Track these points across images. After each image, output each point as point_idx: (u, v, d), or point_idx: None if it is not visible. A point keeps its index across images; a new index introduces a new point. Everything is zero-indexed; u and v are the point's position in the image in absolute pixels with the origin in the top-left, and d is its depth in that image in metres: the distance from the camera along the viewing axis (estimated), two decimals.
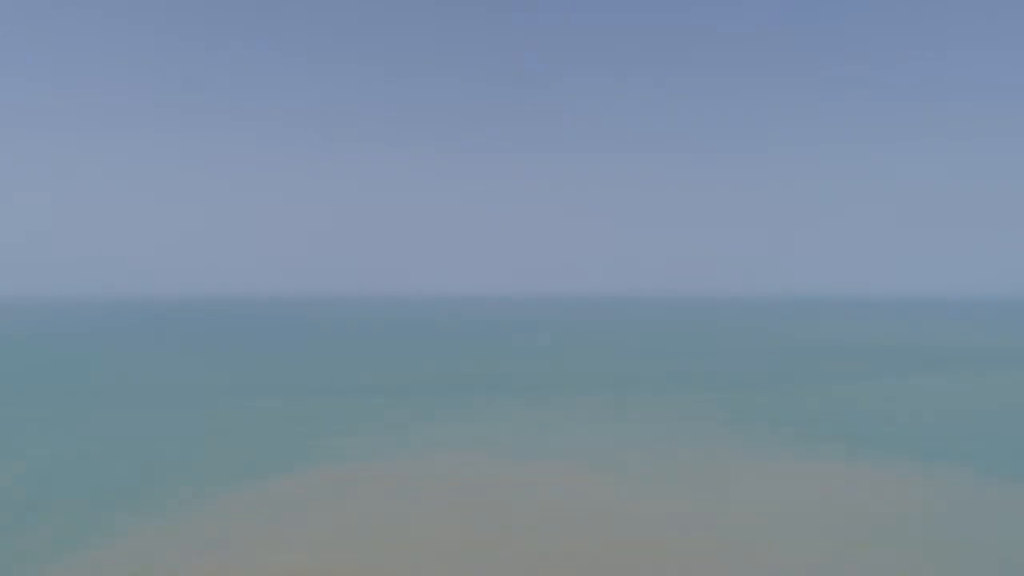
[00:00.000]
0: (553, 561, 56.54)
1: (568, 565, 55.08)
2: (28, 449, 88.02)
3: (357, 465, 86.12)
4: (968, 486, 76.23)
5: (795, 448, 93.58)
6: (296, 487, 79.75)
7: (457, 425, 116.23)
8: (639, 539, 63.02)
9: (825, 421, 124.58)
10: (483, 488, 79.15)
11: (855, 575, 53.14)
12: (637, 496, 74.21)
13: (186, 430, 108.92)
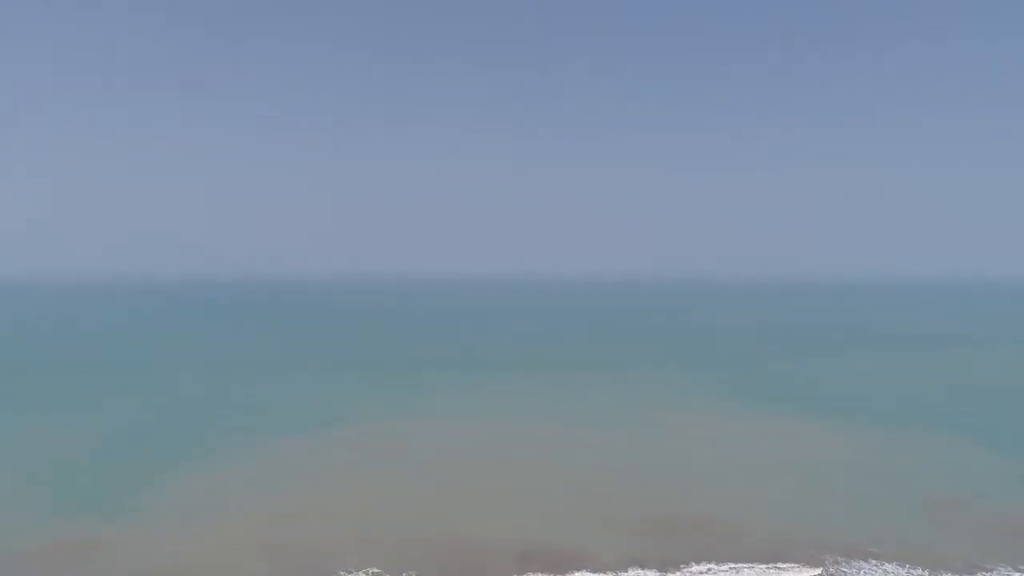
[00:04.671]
0: (543, 496, 76.62)
1: (554, 498, 74.78)
2: (110, 414, 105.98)
3: (383, 423, 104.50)
4: (885, 438, 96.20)
5: (756, 410, 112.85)
6: (332, 441, 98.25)
7: (470, 392, 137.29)
8: (619, 475, 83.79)
9: (787, 391, 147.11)
10: (484, 440, 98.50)
11: (784, 505, 73.83)
12: (618, 444, 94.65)
13: (240, 397, 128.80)
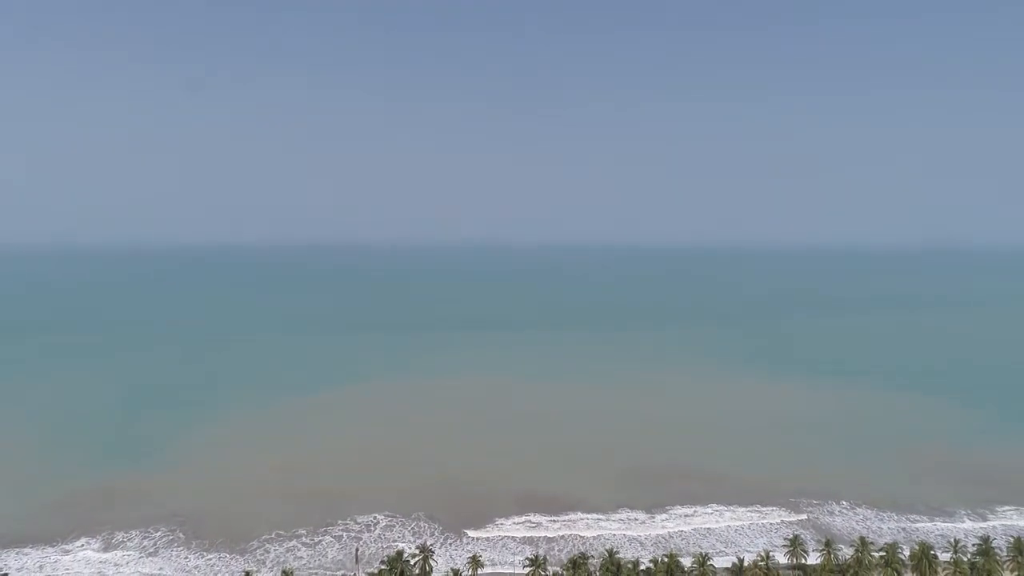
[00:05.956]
0: (535, 437, 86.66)
1: (547, 438, 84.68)
2: (138, 370, 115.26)
3: (393, 381, 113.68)
4: (856, 394, 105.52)
5: (740, 368, 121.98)
6: (344, 397, 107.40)
7: (476, 351, 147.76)
8: (611, 424, 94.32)
9: (768, 351, 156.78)
10: (487, 395, 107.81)
11: (767, 455, 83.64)
12: (612, 399, 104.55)
13: (262, 355, 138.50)
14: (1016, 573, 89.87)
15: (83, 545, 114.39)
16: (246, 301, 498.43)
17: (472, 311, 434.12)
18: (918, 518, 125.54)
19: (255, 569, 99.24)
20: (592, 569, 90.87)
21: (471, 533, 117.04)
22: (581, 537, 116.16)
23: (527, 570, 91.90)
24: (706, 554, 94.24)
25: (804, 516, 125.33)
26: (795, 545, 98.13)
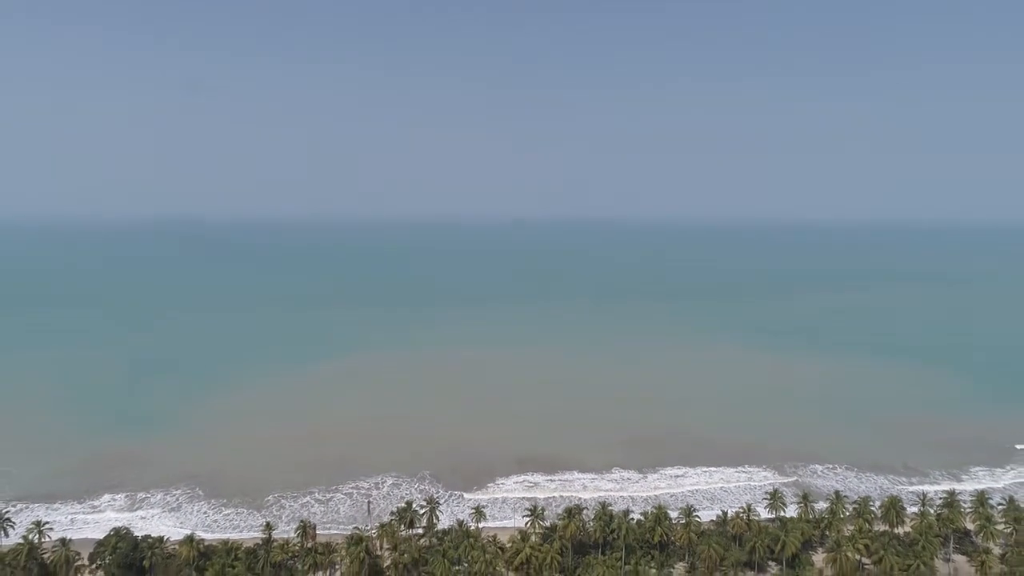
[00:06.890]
0: (524, 405, 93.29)
1: (533, 406, 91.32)
2: (154, 342, 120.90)
3: (396, 352, 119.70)
4: (837, 364, 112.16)
5: (729, 340, 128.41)
6: (350, 367, 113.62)
7: (477, 323, 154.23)
8: (602, 394, 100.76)
9: (756, 323, 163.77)
10: (489, 365, 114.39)
11: (754, 421, 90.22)
12: (607, 367, 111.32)
13: (269, 328, 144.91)
14: (977, 523, 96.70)
15: (109, 501, 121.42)
16: (267, 274, 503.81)
17: (467, 286, 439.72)
18: (896, 479, 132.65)
19: (274, 523, 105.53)
20: (586, 519, 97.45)
21: (473, 491, 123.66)
22: (577, 497, 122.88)
23: (526, 520, 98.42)
24: (691, 507, 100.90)
25: (789, 478, 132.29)
26: (775, 499, 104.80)
